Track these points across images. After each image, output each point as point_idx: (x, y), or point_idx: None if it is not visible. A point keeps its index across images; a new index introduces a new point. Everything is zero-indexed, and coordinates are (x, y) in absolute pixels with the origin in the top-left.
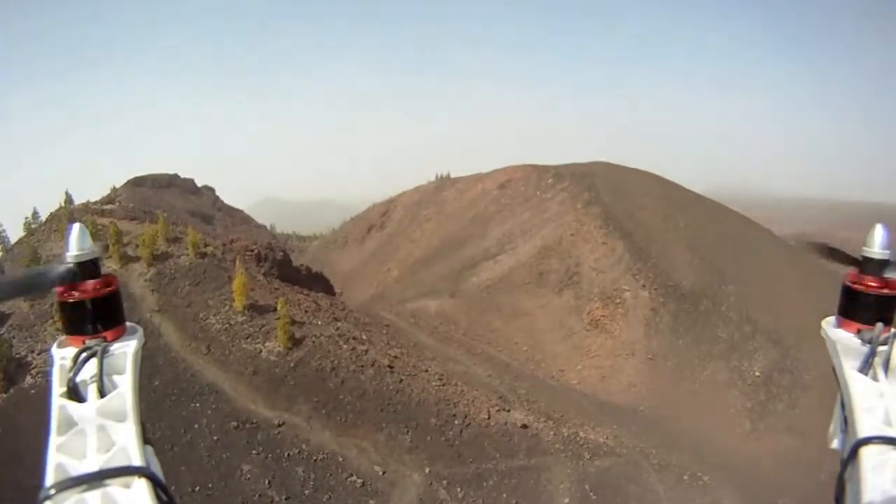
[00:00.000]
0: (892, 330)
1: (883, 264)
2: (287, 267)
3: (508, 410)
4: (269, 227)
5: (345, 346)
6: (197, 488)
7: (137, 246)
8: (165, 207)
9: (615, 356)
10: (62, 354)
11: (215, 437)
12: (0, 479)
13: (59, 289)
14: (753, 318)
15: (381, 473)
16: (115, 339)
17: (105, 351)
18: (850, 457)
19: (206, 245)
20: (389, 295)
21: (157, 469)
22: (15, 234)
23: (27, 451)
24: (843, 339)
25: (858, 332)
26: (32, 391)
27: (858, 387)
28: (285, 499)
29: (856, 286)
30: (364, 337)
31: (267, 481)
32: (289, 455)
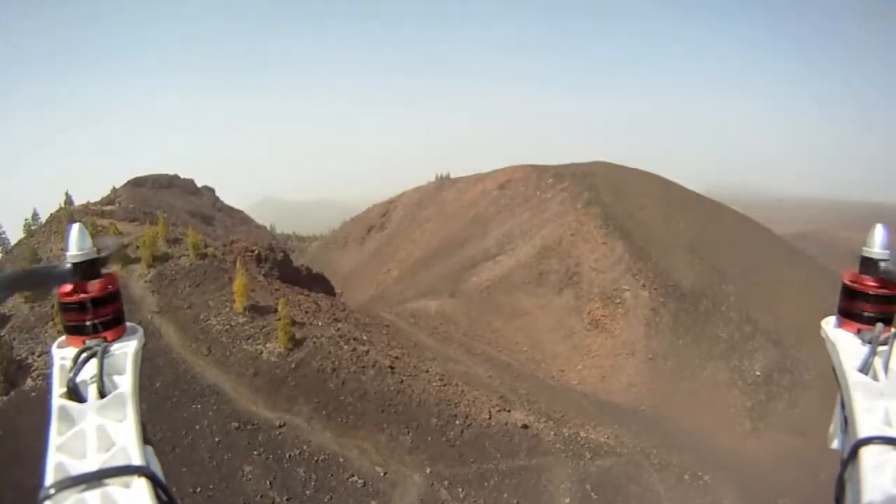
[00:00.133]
0: (892, 330)
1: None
2: (287, 268)
3: (509, 411)
4: (269, 228)
5: (345, 347)
6: (198, 489)
7: (138, 247)
8: (165, 208)
9: (615, 356)
10: (62, 354)
11: (216, 439)
12: (0, 480)
13: (59, 289)
14: (753, 318)
15: (382, 474)
16: (115, 340)
17: (105, 351)
18: (851, 457)
19: (206, 246)
20: (389, 295)
21: (157, 469)
22: (15, 235)
23: (27, 452)
24: (843, 339)
25: (858, 332)
26: (33, 393)
27: (858, 387)
28: (286, 499)
29: (855, 286)
30: (365, 338)
31: (268, 482)
32: (290, 456)
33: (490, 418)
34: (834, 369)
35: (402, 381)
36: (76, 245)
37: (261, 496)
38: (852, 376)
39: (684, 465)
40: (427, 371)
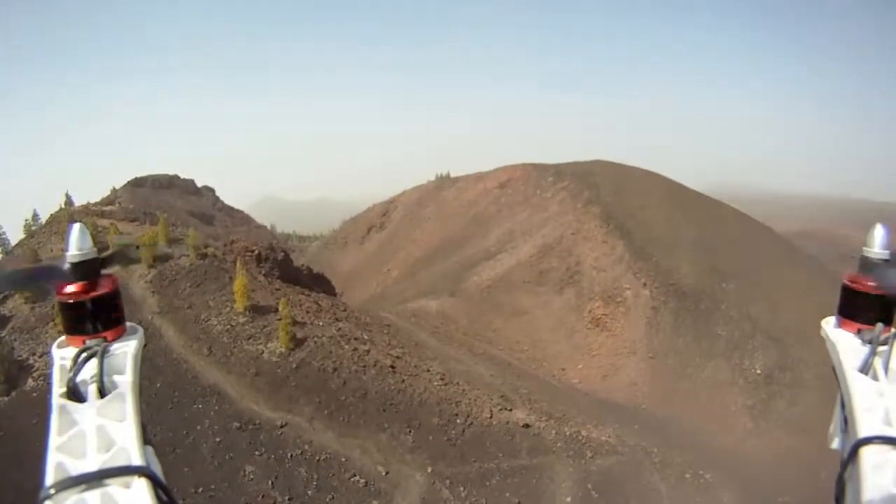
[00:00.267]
0: (893, 330)
1: (883, 264)
2: (288, 267)
3: (510, 410)
4: (269, 228)
5: (346, 347)
6: (200, 489)
7: (138, 247)
8: (165, 208)
9: (616, 355)
10: (62, 354)
11: (218, 439)
12: (1, 481)
13: (58, 289)
14: (754, 317)
15: (383, 473)
16: (115, 340)
17: (105, 351)
18: (851, 457)
19: (206, 246)
20: (390, 295)
21: (157, 469)
22: (15, 235)
23: (28, 453)
24: (843, 339)
25: (858, 332)
26: (34, 394)
27: (858, 387)
28: (288, 499)
29: (856, 286)
30: (366, 337)
31: (270, 482)
32: (291, 456)
33: (491, 417)
34: (834, 369)
35: (403, 381)
36: (76, 245)
37: (262, 496)
38: (852, 376)
39: (685, 464)
40: (428, 370)
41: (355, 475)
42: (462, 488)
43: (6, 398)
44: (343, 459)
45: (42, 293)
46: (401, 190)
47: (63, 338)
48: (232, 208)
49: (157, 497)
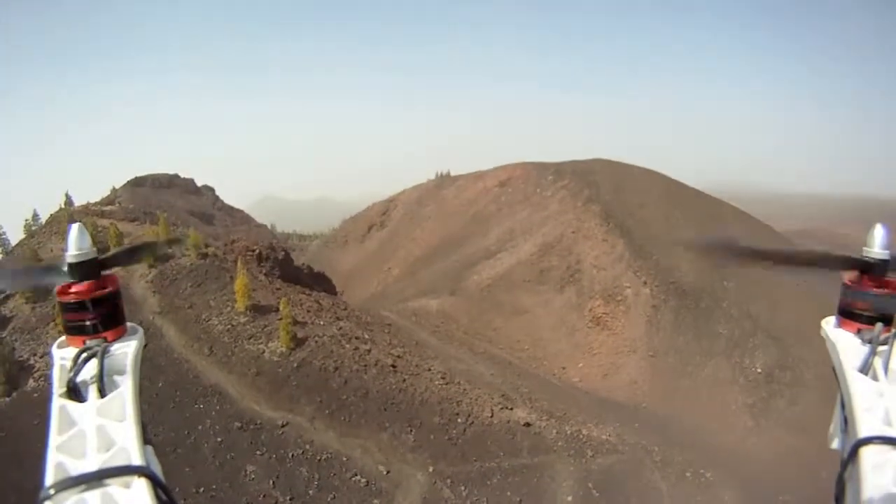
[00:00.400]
0: (893, 330)
1: (883, 264)
2: (288, 267)
3: (511, 409)
4: (269, 227)
5: (347, 346)
6: (201, 489)
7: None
8: (165, 208)
9: (617, 353)
10: (62, 355)
11: (219, 439)
12: (3, 481)
13: (58, 289)
14: (754, 315)
15: (384, 473)
16: (115, 340)
17: (105, 351)
18: (851, 457)
19: (207, 246)
20: (390, 294)
21: (156, 469)
22: (15, 235)
23: (29, 453)
24: (843, 339)
25: (858, 332)
26: (35, 394)
27: (858, 387)
28: (289, 499)
29: (856, 286)
30: (367, 336)
31: (271, 482)
32: (293, 455)
33: (492, 416)
34: (834, 369)
35: (404, 380)
36: (76, 245)
37: (264, 496)
38: (852, 376)
39: (686, 463)
40: (429, 370)
41: (356, 475)
42: (463, 487)
43: (7, 399)
44: (344, 459)
45: (42, 292)
46: (401, 189)
47: (63, 338)
48: (232, 208)
49: (157, 497)
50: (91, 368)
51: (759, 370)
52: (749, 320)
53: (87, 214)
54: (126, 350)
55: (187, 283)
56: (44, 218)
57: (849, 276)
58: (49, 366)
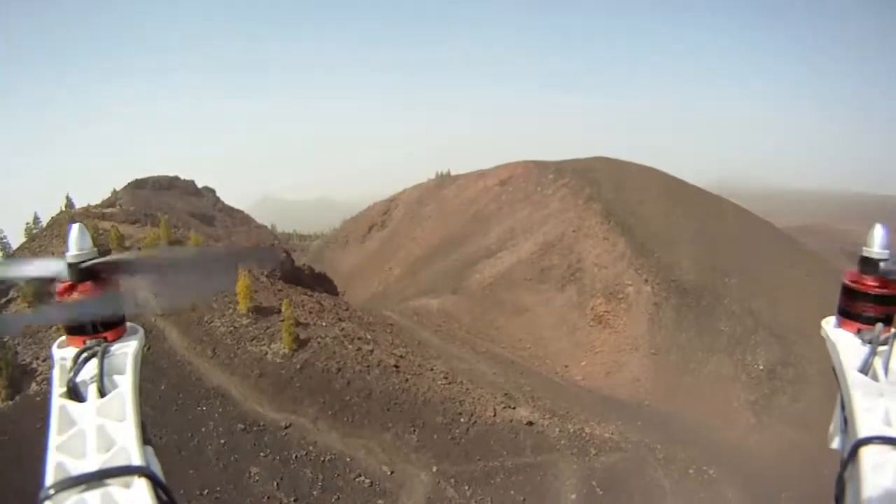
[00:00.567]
0: (892, 330)
1: (883, 264)
2: (290, 268)
3: (514, 408)
4: (270, 228)
5: (350, 347)
6: (205, 491)
7: (139, 249)
8: (166, 209)
9: (619, 351)
10: (62, 354)
11: (223, 440)
12: (4, 484)
13: (58, 289)
14: (756, 312)
15: (388, 473)
16: (115, 340)
17: (105, 351)
18: (850, 457)
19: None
20: (391, 293)
21: (157, 469)
22: (15, 237)
23: (32, 457)
24: (843, 339)
25: (858, 331)
26: (37, 398)
27: (858, 387)
28: (294, 500)
29: (856, 286)
30: (369, 337)
31: (275, 483)
32: (296, 457)
33: (495, 416)
34: (834, 369)
35: (406, 380)
36: (76, 245)
37: (268, 497)
38: (852, 376)
39: (689, 460)
40: (432, 369)
41: (360, 475)
42: (467, 487)
43: (10, 402)
44: (348, 459)
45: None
46: (401, 189)
47: (63, 338)
48: (232, 209)
49: (157, 497)
50: (91, 368)
51: (761, 367)
52: (751, 317)
53: (88, 217)
54: (126, 350)
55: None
56: (44, 221)
57: (849, 275)
58: (51, 368)
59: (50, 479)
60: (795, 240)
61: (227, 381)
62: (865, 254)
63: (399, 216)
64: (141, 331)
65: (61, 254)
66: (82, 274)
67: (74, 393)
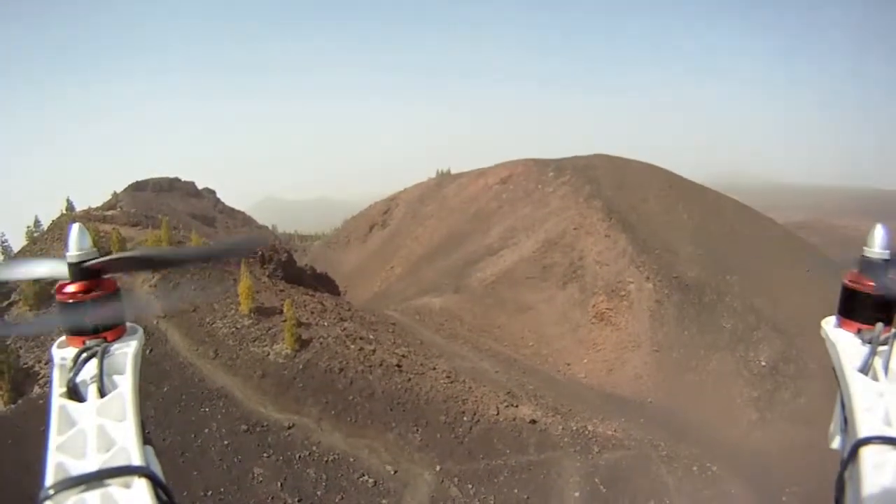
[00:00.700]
0: (892, 330)
1: (883, 264)
2: (292, 268)
3: (517, 406)
4: (270, 228)
5: (352, 347)
6: (209, 492)
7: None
8: (167, 211)
9: (621, 349)
10: (62, 355)
11: (226, 442)
12: (7, 487)
13: (58, 288)
14: (758, 308)
15: (392, 472)
16: (115, 340)
17: (105, 351)
18: (851, 456)
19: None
20: (393, 293)
21: (157, 469)
22: (16, 239)
23: (35, 460)
24: (843, 339)
25: (858, 332)
26: (40, 401)
27: (858, 387)
28: (297, 501)
29: (856, 286)
30: (371, 337)
31: (279, 484)
32: (300, 457)
33: (498, 414)
34: (834, 369)
35: (409, 380)
36: (76, 245)
37: (272, 498)
38: (852, 376)
39: (692, 457)
40: (434, 368)
41: (364, 475)
42: (470, 485)
43: (12, 405)
44: (351, 459)
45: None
46: (402, 188)
47: (63, 338)
48: (233, 210)
49: (157, 497)
50: (91, 368)
51: (763, 363)
52: (753, 314)
53: (89, 220)
54: (126, 350)
55: (191, 287)
56: (45, 224)
57: (849, 276)
58: (51, 369)
59: (50, 479)
60: (796, 236)
61: (229, 382)
62: (866, 254)
63: (400, 215)
64: (141, 330)
65: (62, 256)
66: (83, 273)
67: (74, 393)
